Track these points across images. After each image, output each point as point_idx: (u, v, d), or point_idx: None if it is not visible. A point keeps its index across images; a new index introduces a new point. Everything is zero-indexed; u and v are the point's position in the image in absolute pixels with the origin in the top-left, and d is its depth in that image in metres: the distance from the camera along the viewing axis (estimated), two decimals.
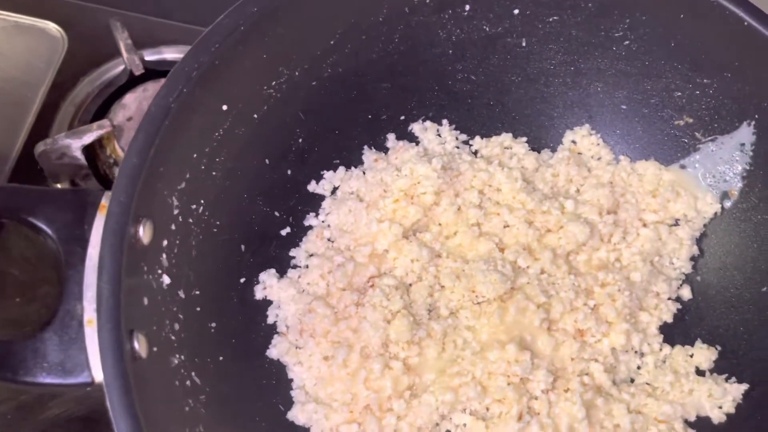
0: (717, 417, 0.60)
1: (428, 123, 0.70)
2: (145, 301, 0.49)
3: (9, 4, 0.85)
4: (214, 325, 0.57)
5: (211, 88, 0.55)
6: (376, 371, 0.58)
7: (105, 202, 0.49)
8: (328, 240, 0.65)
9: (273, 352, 0.60)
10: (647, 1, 0.62)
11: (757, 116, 0.62)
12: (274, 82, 0.61)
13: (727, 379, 0.61)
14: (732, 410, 0.60)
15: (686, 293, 0.66)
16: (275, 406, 0.59)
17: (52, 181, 0.75)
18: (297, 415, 0.59)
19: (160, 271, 0.52)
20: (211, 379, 0.54)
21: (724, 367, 0.62)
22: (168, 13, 0.88)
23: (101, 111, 0.80)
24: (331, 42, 0.63)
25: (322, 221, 0.66)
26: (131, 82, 0.81)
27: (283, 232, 0.65)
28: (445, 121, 0.70)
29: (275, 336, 0.61)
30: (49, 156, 0.71)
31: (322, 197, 0.67)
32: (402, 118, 0.70)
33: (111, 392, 0.43)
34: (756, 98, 0.61)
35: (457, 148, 0.69)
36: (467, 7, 0.65)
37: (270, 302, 0.62)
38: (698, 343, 0.63)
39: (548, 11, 0.65)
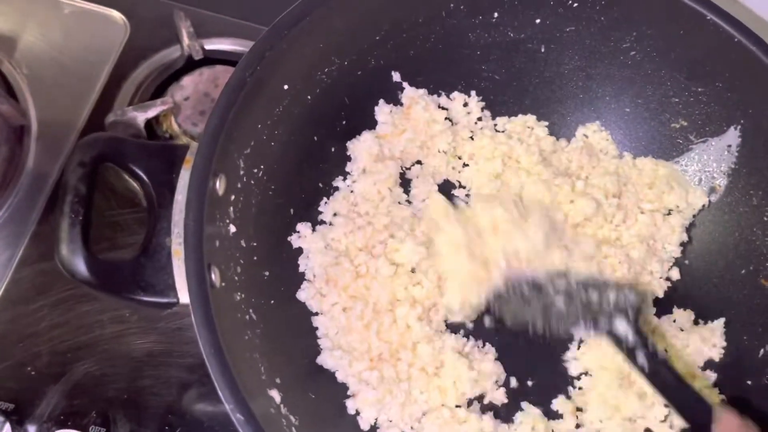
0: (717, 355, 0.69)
1: (455, 93, 0.78)
2: (217, 243, 0.58)
3: None
4: (267, 273, 0.66)
5: (278, 68, 0.64)
6: (385, 324, 0.67)
7: (189, 156, 0.58)
8: (352, 204, 0.73)
9: (301, 295, 0.68)
10: (652, 18, 0.71)
11: (742, 121, 0.71)
12: (326, 69, 0.70)
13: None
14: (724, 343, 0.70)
15: (675, 274, 0.75)
16: (311, 349, 0.67)
17: None
18: (326, 360, 0.67)
19: (227, 221, 0.61)
20: (264, 317, 0.63)
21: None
22: (219, 8, 0.97)
23: (159, 91, 0.89)
24: (377, 38, 0.72)
25: (348, 185, 0.74)
26: (186, 66, 0.90)
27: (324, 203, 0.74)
28: (473, 92, 0.79)
29: (304, 282, 0.69)
30: (117, 126, 0.80)
31: None
32: None
33: (195, 309, 0.51)
34: (742, 105, 0.70)
35: (480, 120, 0.78)
36: (495, 15, 0.74)
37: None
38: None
39: (566, 22, 0.74)
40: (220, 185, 0.58)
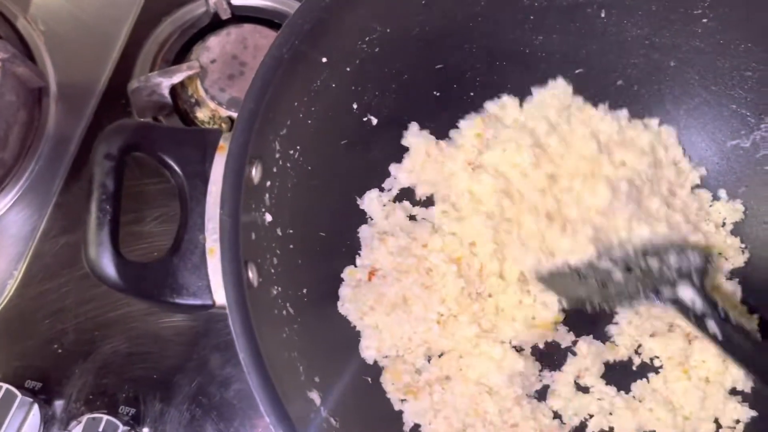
0: None
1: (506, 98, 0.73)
2: (253, 236, 0.54)
3: None
4: (300, 261, 0.62)
5: (317, 41, 0.58)
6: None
7: (223, 142, 0.53)
8: None
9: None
10: None
11: None
12: (367, 38, 0.64)
13: None
14: None
15: None
16: (351, 340, 0.64)
17: (138, 116, 0.79)
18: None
19: (263, 210, 0.56)
20: (300, 310, 0.59)
21: None
22: None
23: (183, 51, 0.84)
24: (422, 2, 0.66)
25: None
26: (212, 25, 0.84)
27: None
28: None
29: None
30: (140, 92, 0.75)
31: None
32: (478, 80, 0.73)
33: (233, 313, 0.48)
34: None
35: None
36: None
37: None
38: None
39: None
40: (256, 172, 0.54)
